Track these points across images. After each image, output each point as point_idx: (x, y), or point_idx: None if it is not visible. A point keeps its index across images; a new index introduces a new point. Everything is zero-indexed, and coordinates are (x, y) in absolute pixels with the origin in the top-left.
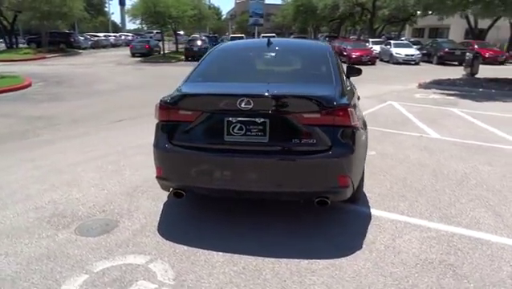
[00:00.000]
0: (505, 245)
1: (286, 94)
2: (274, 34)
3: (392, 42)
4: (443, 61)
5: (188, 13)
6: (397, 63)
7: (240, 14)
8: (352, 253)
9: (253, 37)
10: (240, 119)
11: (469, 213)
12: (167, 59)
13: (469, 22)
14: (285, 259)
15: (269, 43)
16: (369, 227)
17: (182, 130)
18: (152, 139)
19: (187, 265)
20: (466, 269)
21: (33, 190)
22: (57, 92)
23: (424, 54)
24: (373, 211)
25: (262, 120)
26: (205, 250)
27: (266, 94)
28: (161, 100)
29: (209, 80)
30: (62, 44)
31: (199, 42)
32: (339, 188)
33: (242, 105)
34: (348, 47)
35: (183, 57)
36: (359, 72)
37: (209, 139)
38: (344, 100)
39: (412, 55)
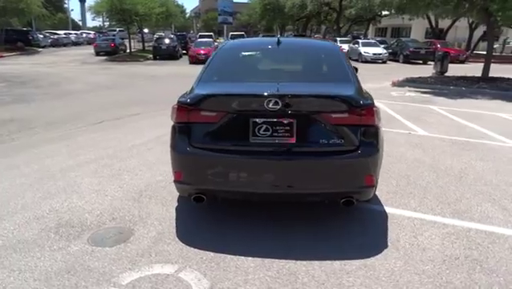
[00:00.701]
0: None
1: (315, 94)
2: (243, 33)
3: (360, 41)
4: (409, 60)
5: (156, 10)
6: (366, 61)
7: (205, 12)
8: (380, 252)
9: (223, 36)
10: (266, 120)
11: (477, 208)
12: (134, 57)
13: (430, 22)
14: (316, 262)
15: (278, 42)
16: (388, 225)
17: (204, 132)
18: (139, 141)
19: (219, 272)
20: (492, 263)
21: (28, 199)
22: (24, 93)
23: (390, 53)
24: (387, 209)
25: (288, 120)
26: (233, 256)
27: (295, 94)
28: (180, 101)
29: (225, 80)
30: (20, 42)
31: (167, 41)
32: (365, 187)
33: (270, 105)
34: None
35: (151, 56)
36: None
37: (234, 140)
38: (369, 100)
39: (380, 54)
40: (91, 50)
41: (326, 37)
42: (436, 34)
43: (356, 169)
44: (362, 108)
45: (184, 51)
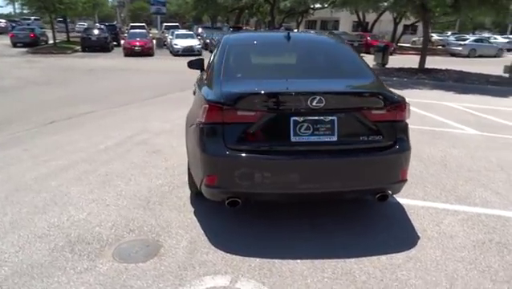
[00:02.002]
0: None
1: (356, 91)
2: (177, 24)
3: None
4: None
5: None
6: None
7: (130, 2)
8: (416, 243)
9: (156, 27)
10: (307, 118)
11: (474, 193)
12: (60, 49)
13: (358, 16)
14: (364, 258)
15: (288, 37)
16: (409, 216)
17: (241, 132)
18: (110, 143)
19: (277, 279)
20: None
21: (13, 215)
22: None
23: None
24: (400, 200)
25: (329, 118)
26: (281, 260)
27: (337, 91)
28: (211, 100)
29: (250, 77)
30: None
31: (97, 32)
32: (401, 181)
33: (314, 103)
34: None
35: (78, 48)
36: None
37: (274, 140)
38: (401, 96)
39: None
40: (4, 40)
41: (257, 29)
42: (363, 27)
43: (395, 164)
44: (397, 104)
45: (115, 43)
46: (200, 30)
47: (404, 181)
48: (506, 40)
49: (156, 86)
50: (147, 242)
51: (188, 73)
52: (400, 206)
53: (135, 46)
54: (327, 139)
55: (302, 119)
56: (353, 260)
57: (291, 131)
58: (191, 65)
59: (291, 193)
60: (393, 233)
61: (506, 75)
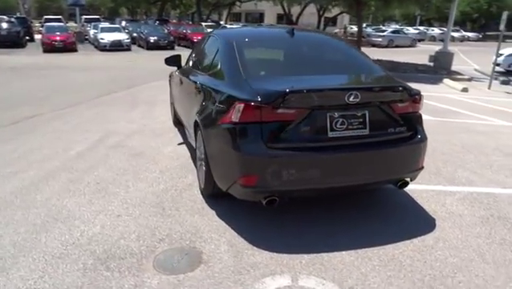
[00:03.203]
0: (505, 193)
1: (384, 85)
2: (98, 17)
3: (228, 26)
4: None
5: None
6: None
7: None
8: (435, 225)
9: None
10: (342, 113)
11: (457, 174)
12: None
13: (283, 8)
14: (399, 243)
15: (292, 33)
16: (416, 200)
17: (280, 130)
18: (80, 148)
19: (333, 272)
20: None
21: (13, 237)
22: None
23: None
24: None
25: (361, 112)
26: (327, 254)
27: (370, 86)
28: (247, 99)
29: (274, 74)
30: None
31: (6, 25)
32: (420, 169)
33: (351, 99)
34: (189, 31)
35: None
36: None
37: (313, 137)
38: (416, 89)
39: None
40: None
41: (180, 22)
42: (289, 19)
43: (417, 153)
44: (416, 97)
45: (28, 37)
46: (123, 23)
47: (422, 168)
48: (417, 31)
49: (96, 84)
50: (184, 250)
51: (125, 70)
52: (404, 192)
53: (55, 42)
54: (359, 133)
55: (337, 114)
56: (390, 246)
57: (328, 127)
58: (168, 62)
59: (329, 187)
60: (412, 217)
61: (431, 63)
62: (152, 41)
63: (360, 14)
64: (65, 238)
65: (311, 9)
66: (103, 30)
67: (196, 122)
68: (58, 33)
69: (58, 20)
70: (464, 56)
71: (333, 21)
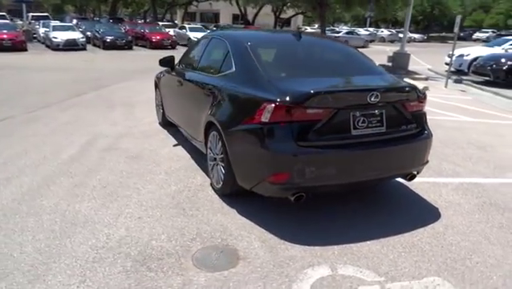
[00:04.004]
0: (489, 182)
1: (398, 86)
2: (47, 15)
3: (187, 26)
4: None
5: None
6: None
7: None
8: (441, 214)
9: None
10: (363, 112)
11: (443, 166)
12: None
13: (239, 9)
14: (413, 232)
15: (299, 37)
16: (417, 192)
17: (309, 129)
18: (73, 151)
19: (366, 260)
20: (502, 204)
21: (34, 244)
22: None
23: None
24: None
25: (379, 111)
26: (354, 244)
27: (388, 87)
28: (277, 100)
29: (295, 76)
30: None
31: None
32: (426, 163)
33: (372, 99)
34: (147, 31)
35: None
36: None
37: (337, 135)
38: (421, 89)
39: None
40: None
41: (132, 21)
42: (245, 19)
43: (425, 148)
44: (423, 96)
45: None
46: (74, 21)
47: (427, 162)
48: (368, 33)
49: (61, 85)
50: (219, 248)
51: (87, 70)
52: (403, 185)
53: (3, 40)
54: (378, 130)
55: (359, 113)
56: (407, 234)
57: (351, 125)
58: (163, 63)
59: (352, 182)
60: (417, 207)
61: (390, 64)
62: (108, 40)
63: (324, 16)
64: (92, 242)
65: (267, 9)
66: (56, 28)
67: (209, 123)
68: (5, 31)
69: (3, 17)
70: (414, 57)
71: (287, 22)
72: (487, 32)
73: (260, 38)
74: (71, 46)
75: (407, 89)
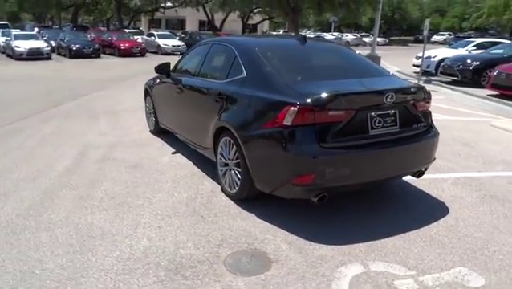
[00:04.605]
0: (483, 176)
1: (410, 86)
2: (7, 23)
3: (156, 33)
4: None
5: None
6: (166, 53)
7: None
8: (447, 207)
9: None
10: (379, 112)
11: (438, 163)
12: None
13: (207, 15)
14: (427, 226)
15: (304, 41)
16: (420, 188)
17: (331, 131)
18: (67, 162)
19: (394, 256)
20: (500, 196)
21: (55, 259)
22: None
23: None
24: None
25: (393, 111)
26: (378, 241)
27: (401, 88)
28: (301, 103)
29: (311, 79)
30: None
31: None
32: (433, 160)
33: (388, 99)
34: (115, 38)
35: None
36: None
37: (358, 135)
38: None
39: (179, 46)
40: None
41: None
42: (213, 26)
43: (433, 146)
44: (429, 96)
45: None
46: (36, 29)
47: (434, 159)
48: (333, 37)
49: (34, 96)
50: (248, 253)
51: (57, 80)
52: (405, 182)
53: None
54: (392, 130)
55: (375, 114)
56: (424, 229)
57: (369, 125)
58: (159, 70)
59: (371, 180)
60: (424, 203)
61: None
62: (75, 49)
63: (297, 21)
64: (116, 254)
65: (234, 15)
66: (18, 37)
67: (220, 128)
68: None
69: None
70: (381, 60)
71: (254, 28)
72: (444, 35)
73: (267, 44)
74: (35, 55)
75: (416, 89)
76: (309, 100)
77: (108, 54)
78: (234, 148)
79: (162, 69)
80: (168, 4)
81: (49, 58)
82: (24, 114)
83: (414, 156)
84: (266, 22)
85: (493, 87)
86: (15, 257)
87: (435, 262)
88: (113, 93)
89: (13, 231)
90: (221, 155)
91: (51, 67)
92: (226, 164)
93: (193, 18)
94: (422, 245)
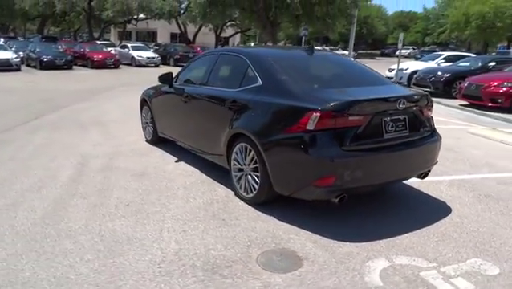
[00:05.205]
0: (475, 178)
1: (418, 93)
2: None
3: (130, 45)
4: (179, 62)
5: None
6: (140, 65)
7: None
8: (450, 207)
9: None
10: (392, 118)
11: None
12: None
13: (180, 28)
14: (437, 223)
15: (312, 52)
16: (421, 190)
17: (351, 134)
18: (69, 172)
19: (413, 250)
20: (494, 196)
21: (87, 264)
22: None
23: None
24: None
25: (403, 116)
26: (396, 238)
27: (412, 94)
28: (323, 108)
29: (325, 86)
30: None
31: None
32: (436, 162)
33: (400, 105)
34: (87, 50)
35: None
36: None
37: (374, 139)
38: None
39: (154, 58)
40: None
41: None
42: (186, 38)
43: (437, 149)
44: (431, 103)
45: None
46: (2, 40)
47: (437, 161)
48: None
49: (12, 108)
50: (277, 252)
51: (33, 92)
52: (406, 185)
53: None
54: (403, 134)
55: (389, 119)
56: (433, 226)
57: (383, 129)
58: (162, 80)
59: (386, 181)
60: (427, 203)
61: None
62: (46, 60)
63: (275, 34)
64: (148, 257)
65: (207, 28)
66: None
67: (235, 135)
68: None
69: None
70: None
71: (226, 41)
72: (408, 49)
73: (278, 54)
74: (3, 66)
75: (421, 97)
76: (331, 106)
77: (80, 65)
78: (252, 153)
79: (165, 79)
80: (141, 16)
81: (18, 69)
82: (7, 125)
83: (421, 159)
84: (238, 35)
85: (465, 97)
86: (45, 264)
87: (451, 255)
88: (95, 104)
89: (33, 239)
90: (236, 161)
91: (23, 78)
92: (241, 170)
93: (164, 30)
94: (436, 240)
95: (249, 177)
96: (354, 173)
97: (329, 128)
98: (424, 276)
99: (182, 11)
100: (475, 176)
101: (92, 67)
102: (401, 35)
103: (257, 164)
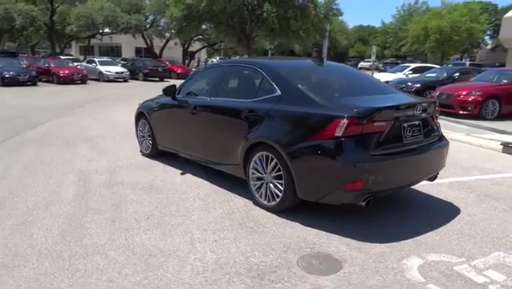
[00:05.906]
0: (471, 180)
1: (429, 100)
2: None
3: (97, 59)
4: (148, 77)
5: None
6: (108, 80)
7: None
8: (457, 207)
9: None
10: (409, 123)
11: None
12: None
13: (146, 42)
14: (452, 222)
15: (321, 63)
16: (425, 192)
17: (376, 140)
18: (69, 189)
19: (440, 248)
20: (495, 196)
21: (134, 278)
22: None
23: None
24: None
25: (418, 122)
26: (420, 237)
27: (425, 101)
28: (351, 116)
29: (344, 95)
30: None
31: None
32: (445, 165)
33: (417, 112)
34: (52, 65)
35: None
36: None
37: (395, 144)
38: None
39: (122, 72)
40: None
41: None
42: (153, 52)
43: (446, 152)
44: (438, 110)
45: None
46: None
47: (445, 165)
48: None
49: None
50: (313, 256)
51: (2, 110)
52: (412, 189)
53: None
54: (418, 138)
55: (407, 124)
56: (449, 225)
57: (403, 135)
58: (167, 92)
59: (407, 184)
60: (438, 205)
61: None
62: (8, 76)
63: (250, 47)
64: (189, 268)
65: (172, 42)
66: None
67: (254, 145)
68: None
69: None
70: None
71: (192, 55)
72: (369, 61)
73: (291, 65)
74: None
75: (431, 103)
76: (358, 113)
77: (45, 81)
78: (274, 161)
79: (170, 91)
80: (107, 30)
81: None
82: None
83: (433, 162)
84: (204, 50)
85: None
86: (82, 281)
87: (475, 250)
88: (74, 120)
89: (59, 257)
90: (255, 170)
91: None
92: (260, 179)
93: (129, 45)
94: (456, 237)
95: (271, 184)
96: (380, 177)
97: (356, 134)
98: (459, 270)
99: (148, 25)
100: (468, 178)
101: (58, 83)
102: (374, 48)
103: (280, 172)
